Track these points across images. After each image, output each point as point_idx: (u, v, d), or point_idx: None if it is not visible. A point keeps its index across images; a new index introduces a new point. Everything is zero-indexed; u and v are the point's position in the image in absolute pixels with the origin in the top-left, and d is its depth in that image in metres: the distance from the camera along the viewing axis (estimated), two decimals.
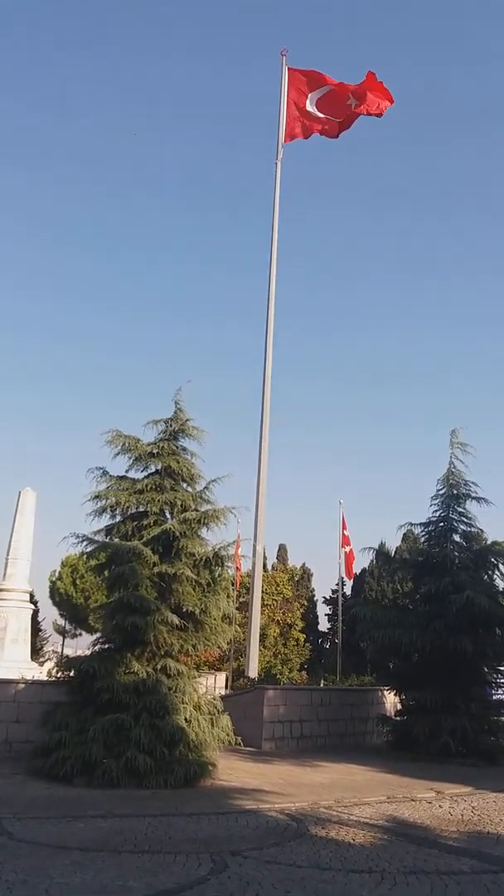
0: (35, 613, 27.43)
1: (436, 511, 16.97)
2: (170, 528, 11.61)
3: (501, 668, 16.80)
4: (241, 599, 31.40)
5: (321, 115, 20.49)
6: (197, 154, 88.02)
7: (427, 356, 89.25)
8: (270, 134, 20.56)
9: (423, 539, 17.54)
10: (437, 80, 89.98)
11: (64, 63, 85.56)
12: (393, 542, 27.21)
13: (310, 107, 20.63)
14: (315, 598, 46.47)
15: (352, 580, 35.66)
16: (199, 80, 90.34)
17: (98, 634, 12.58)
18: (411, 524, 17.36)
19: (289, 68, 21.04)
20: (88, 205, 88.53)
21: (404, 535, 20.49)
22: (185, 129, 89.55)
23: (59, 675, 11.75)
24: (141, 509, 12.18)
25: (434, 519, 16.94)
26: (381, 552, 19.10)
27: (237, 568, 26.98)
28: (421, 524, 17.12)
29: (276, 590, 38.31)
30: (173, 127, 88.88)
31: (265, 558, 33.56)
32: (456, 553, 16.59)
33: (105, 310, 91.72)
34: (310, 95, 20.62)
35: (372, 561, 18.65)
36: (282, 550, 47.80)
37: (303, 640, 39.41)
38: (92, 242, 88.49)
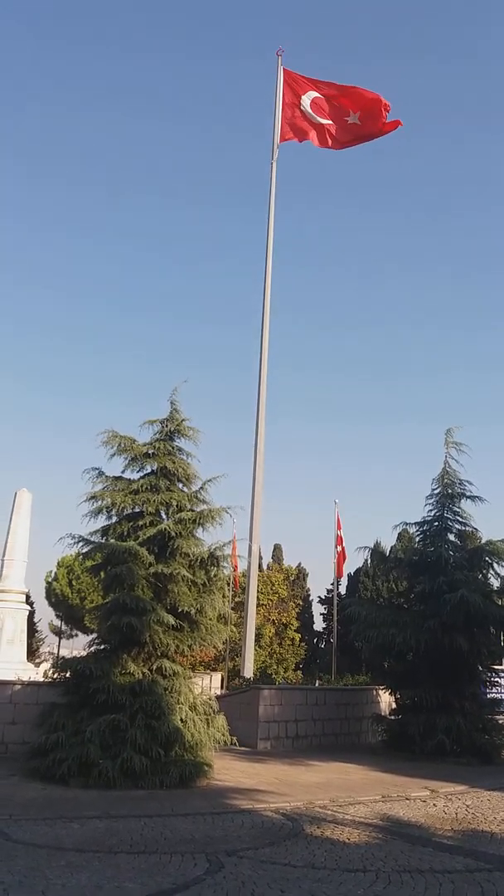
0: (31, 614, 27.49)
1: (431, 510, 17.04)
2: (165, 529, 11.63)
3: (496, 667, 16.91)
4: (236, 599, 31.44)
5: (317, 118, 20.54)
6: (195, 150, 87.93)
7: (426, 352, 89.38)
8: (267, 132, 20.45)
9: (417, 538, 17.59)
10: (434, 76, 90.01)
11: (62, 62, 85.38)
12: (388, 541, 27.29)
13: (305, 109, 20.68)
14: (310, 598, 46.55)
15: (343, 580, 35.84)
16: (198, 77, 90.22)
17: (94, 635, 12.60)
18: (406, 523, 17.40)
19: (284, 69, 21.08)
20: (85, 203, 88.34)
21: (399, 534, 20.56)
22: (182, 125, 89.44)
23: (55, 676, 11.77)
24: (137, 510, 12.21)
25: (429, 518, 16.99)
26: (376, 551, 19.14)
27: (234, 567, 27.07)
28: (416, 523, 17.16)
29: (272, 589, 38.36)
30: (171, 122, 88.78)
31: (261, 558, 33.56)
32: (451, 552, 16.64)
33: (104, 308, 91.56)
34: (303, 98, 20.67)
35: (367, 560, 18.68)
36: (277, 550, 47.89)
37: (298, 639, 39.47)
38: (88, 237, 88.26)
